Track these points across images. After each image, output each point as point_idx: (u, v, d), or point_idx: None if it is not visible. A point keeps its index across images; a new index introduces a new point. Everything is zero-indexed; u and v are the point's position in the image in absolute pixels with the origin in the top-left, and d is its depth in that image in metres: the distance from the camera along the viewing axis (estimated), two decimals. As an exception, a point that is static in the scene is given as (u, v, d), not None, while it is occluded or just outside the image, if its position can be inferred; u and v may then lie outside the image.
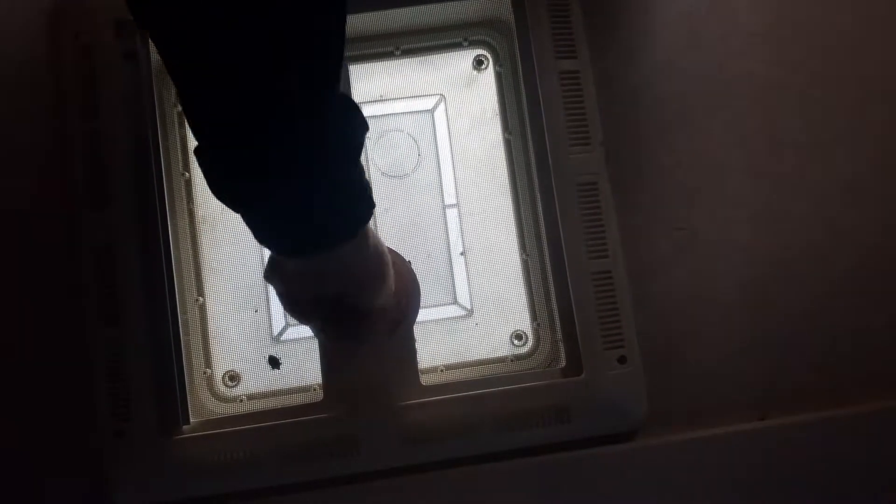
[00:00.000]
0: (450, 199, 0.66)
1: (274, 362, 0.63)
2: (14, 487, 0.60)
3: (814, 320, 0.64)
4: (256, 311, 0.64)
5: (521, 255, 0.66)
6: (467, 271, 0.66)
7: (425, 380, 0.60)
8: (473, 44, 0.67)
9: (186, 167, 0.65)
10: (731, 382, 0.63)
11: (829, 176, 0.66)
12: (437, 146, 0.67)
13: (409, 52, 0.67)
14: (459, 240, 0.66)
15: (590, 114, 0.62)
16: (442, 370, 0.64)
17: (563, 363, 0.61)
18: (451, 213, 0.66)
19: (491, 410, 0.59)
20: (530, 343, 0.65)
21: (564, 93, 0.62)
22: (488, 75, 0.67)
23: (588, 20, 0.64)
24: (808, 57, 0.67)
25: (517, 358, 0.65)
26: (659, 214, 0.65)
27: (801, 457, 0.61)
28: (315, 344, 0.61)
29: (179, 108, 0.65)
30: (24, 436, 0.60)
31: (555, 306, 0.62)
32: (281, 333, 0.64)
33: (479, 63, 0.67)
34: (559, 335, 0.62)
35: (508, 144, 0.66)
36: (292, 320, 0.64)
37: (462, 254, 0.66)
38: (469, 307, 0.66)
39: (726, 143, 0.66)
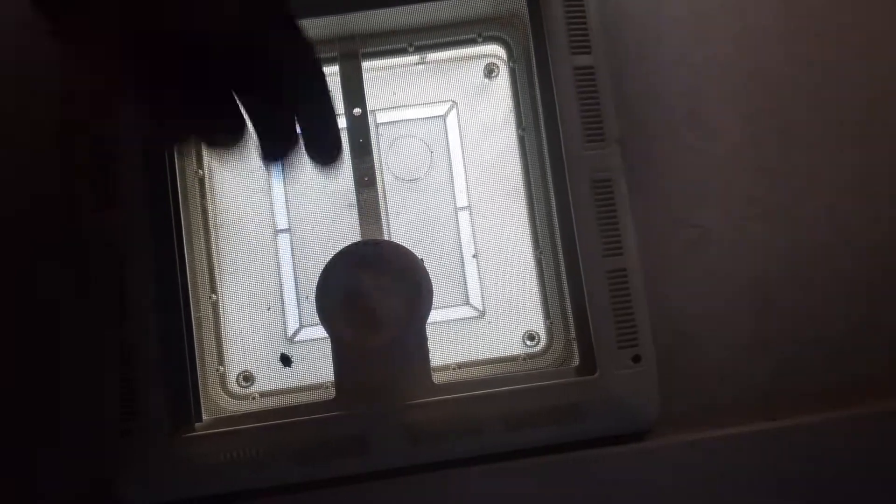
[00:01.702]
0: (462, 201, 0.67)
1: (286, 360, 0.63)
2: (21, 486, 0.60)
3: (826, 319, 0.64)
4: (269, 308, 0.64)
5: (534, 252, 0.66)
6: (479, 273, 0.66)
7: (437, 378, 0.60)
8: (487, 39, 0.67)
9: (200, 164, 0.65)
10: (743, 382, 0.63)
11: (841, 174, 0.66)
12: (448, 150, 0.67)
13: (422, 49, 0.67)
14: (471, 242, 0.66)
15: (605, 110, 0.61)
16: (454, 368, 0.64)
17: (576, 362, 0.61)
18: (463, 216, 0.66)
19: (503, 409, 0.58)
20: (543, 343, 0.65)
21: (579, 88, 0.61)
22: (498, 83, 0.68)
23: (602, 15, 0.64)
24: (820, 54, 0.67)
25: (530, 356, 0.65)
26: (671, 212, 0.65)
27: (814, 457, 0.60)
28: (328, 344, 0.60)
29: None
30: (33, 434, 0.60)
31: (568, 304, 0.62)
32: (295, 334, 0.64)
33: (489, 71, 0.68)
34: (572, 334, 0.62)
35: (522, 141, 0.66)
36: (307, 321, 0.64)
37: (474, 256, 0.66)
38: (481, 308, 0.66)
39: (738, 140, 0.66)
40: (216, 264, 0.64)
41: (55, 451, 0.60)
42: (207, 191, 0.65)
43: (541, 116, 0.63)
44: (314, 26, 0.64)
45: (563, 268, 0.62)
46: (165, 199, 0.60)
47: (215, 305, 0.64)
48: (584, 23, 0.62)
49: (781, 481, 0.60)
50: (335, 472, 0.58)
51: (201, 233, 0.64)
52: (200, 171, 0.65)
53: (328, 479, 0.58)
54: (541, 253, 0.65)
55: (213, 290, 0.64)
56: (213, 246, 0.64)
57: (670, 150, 0.65)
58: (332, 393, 0.60)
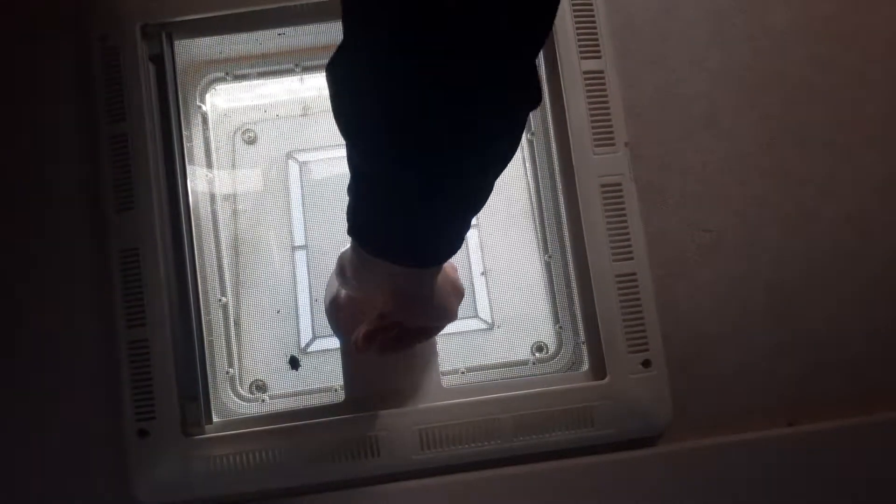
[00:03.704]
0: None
1: (294, 363, 0.64)
2: (39, 486, 0.61)
3: (843, 323, 0.63)
4: (279, 311, 0.64)
5: (543, 256, 0.65)
6: (488, 289, 0.66)
7: (446, 382, 0.60)
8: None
9: (210, 168, 0.65)
10: (758, 387, 0.62)
11: (858, 177, 0.65)
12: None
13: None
14: (480, 259, 0.66)
15: (614, 114, 0.61)
16: (463, 372, 0.64)
17: (585, 366, 0.61)
18: (472, 234, 0.66)
19: (512, 413, 0.58)
20: (552, 351, 0.65)
21: (588, 93, 0.61)
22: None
23: (612, 19, 0.64)
24: (838, 56, 0.66)
25: (539, 361, 0.64)
26: (684, 216, 0.64)
27: (831, 464, 0.59)
28: (339, 352, 0.61)
29: (204, 108, 0.66)
30: (50, 435, 0.61)
31: (577, 309, 0.62)
32: (308, 345, 0.65)
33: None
34: (582, 338, 0.61)
35: (531, 145, 0.66)
36: (320, 332, 0.64)
37: (483, 273, 0.66)
38: (490, 321, 0.66)
39: (754, 143, 0.65)
40: (226, 267, 0.65)
41: (78, 450, 0.61)
42: (217, 195, 0.65)
43: (549, 120, 0.63)
44: (327, 31, 0.64)
45: (572, 272, 0.62)
46: (177, 202, 0.61)
47: (225, 308, 0.64)
48: (594, 27, 0.62)
49: (798, 488, 0.59)
50: (344, 475, 0.58)
51: (211, 236, 0.64)
52: (210, 174, 0.65)
53: (337, 481, 0.58)
54: (549, 257, 0.65)
55: (223, 292, 0.64)
56: (223, 249, 0.65)
57: (684, 154, 0.65)
58: (341, 396, 0.60)
